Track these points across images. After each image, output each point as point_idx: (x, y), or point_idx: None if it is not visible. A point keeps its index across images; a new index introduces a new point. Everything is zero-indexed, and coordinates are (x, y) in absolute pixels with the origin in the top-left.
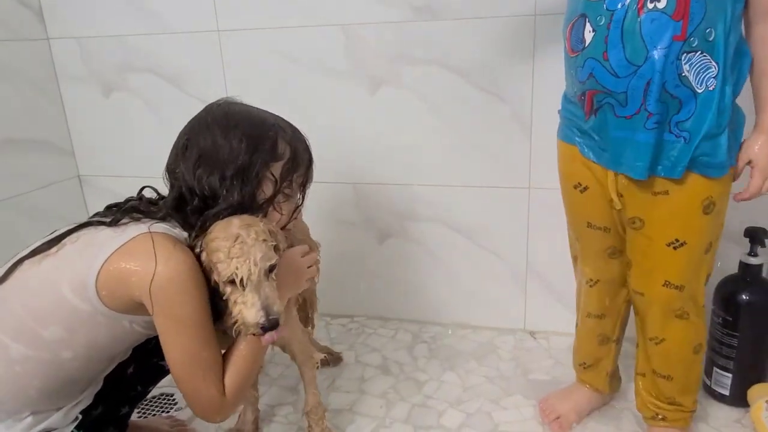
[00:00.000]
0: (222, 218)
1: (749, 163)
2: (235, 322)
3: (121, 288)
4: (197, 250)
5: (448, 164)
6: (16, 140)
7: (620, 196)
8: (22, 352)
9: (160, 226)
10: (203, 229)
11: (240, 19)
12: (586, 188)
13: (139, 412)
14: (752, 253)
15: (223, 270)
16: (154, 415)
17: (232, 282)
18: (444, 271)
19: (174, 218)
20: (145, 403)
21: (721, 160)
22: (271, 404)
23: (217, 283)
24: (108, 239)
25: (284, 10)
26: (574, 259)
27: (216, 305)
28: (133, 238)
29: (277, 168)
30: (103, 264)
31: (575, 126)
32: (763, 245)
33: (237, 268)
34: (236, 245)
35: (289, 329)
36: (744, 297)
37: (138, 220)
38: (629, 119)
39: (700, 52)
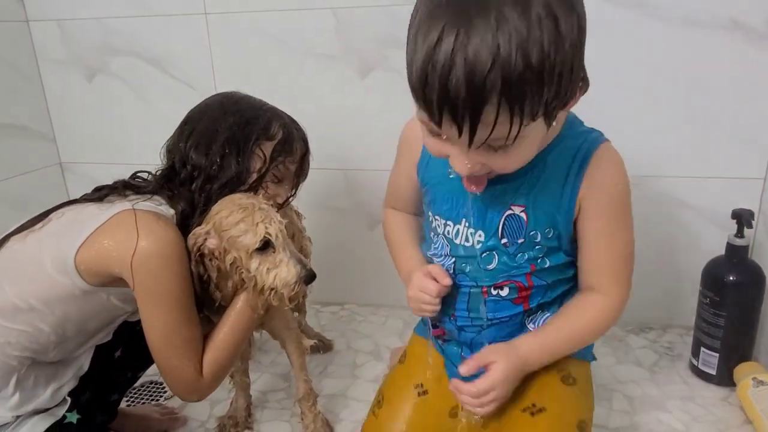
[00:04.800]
0: (217, 198)
1: (486, 368)
2: (267, 290)
3: (102, 263)
4: (202, 238)
5: None
6: None
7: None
8: (2, 324)
9: (145, 204)
10: (204, 211)
11: (228, 2)
12: (426, 392)
13: (127, 400)
14: (739, 235)
15: (250, 239)
16: (143, 403)
17: (261, 249)
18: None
19: (161, 194)
20: (134, 391)
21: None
22: (264, 390)
23: (212, 268)
24: (92, 216)
25: None
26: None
27: (201, 294)
28: (116, 214)
29: (267, 147)
30: (84, 240)
31: (431, 333)
32: (749, 226)
33: (267, 229)
34: (257, 212)
35: (278, 315)
36: (731, 277)
37: (125, 197)
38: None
39: (542, 311)
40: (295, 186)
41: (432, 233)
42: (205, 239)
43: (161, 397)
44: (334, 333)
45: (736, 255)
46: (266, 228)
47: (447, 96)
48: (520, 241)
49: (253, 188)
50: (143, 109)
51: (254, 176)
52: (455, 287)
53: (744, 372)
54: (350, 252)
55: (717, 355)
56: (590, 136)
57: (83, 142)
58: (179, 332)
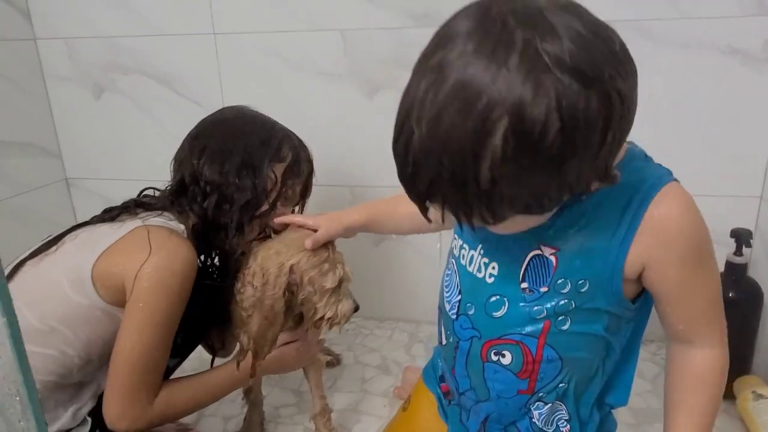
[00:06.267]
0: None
1: None
2: (326, 321)
3: (116, 278)
4: (287, 274)
5: None
6: (0, 142)
7: None
8: (28, 349)
9: (156, 220)
10: (237, 235)
11: (237, 23)
12: None
13: None
14: (738, 253)
15: (330, 279)
16: None
17: (333, 288)
18: (438, 273)
19: (171, 210)
20: None
21: None
22: (275, 405)
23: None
24: (105, 234)
25: (283, 14)
26: None
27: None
28: (130, 231)
29: (279, 169)
30: (99, 256)
31: (439, 387)
32: (748, 245)
33: (344, 271)
34: (334, 254)
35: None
36: (730, 294)
37: (135, 215)
38: None
39: (551, 403)
40: (301, 205)
41: (450, 255)
42: (291, 274)
43: None
44: (342, 347)
45: (735, 273)
46: (344, 270)
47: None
48: (543, 289)
49: (269, 210)
50: (150, 126)
51: (271, 197)
52: (455, 336)
53: (743, 385)
54: (355, 266)
55: None
56: (655, 172)
57: (89, 158)
58: (152, 355)
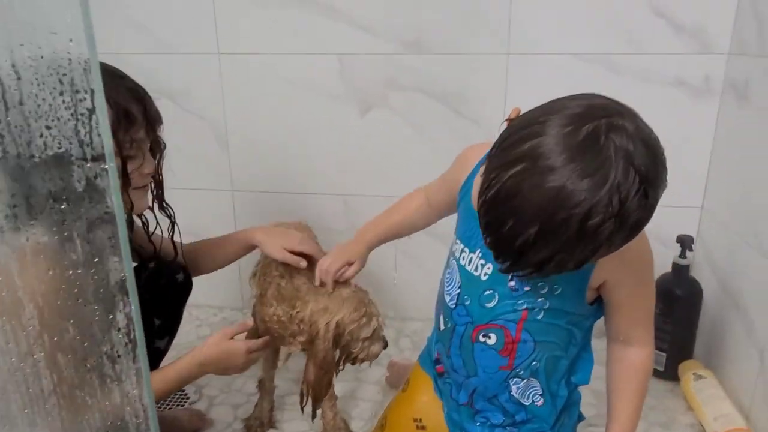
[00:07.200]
0: None
1: None
2: (362, 358)
3: None
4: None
5: (429, 178)
6: None
7: None
8: None
9: None
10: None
11: (241, 44)
12: (424, 427)
13: (157, 407)
14: (682, 256)
15: (366, 332)
16: (170, 408)
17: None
18: (424, 271)
19: None
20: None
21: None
22: (280, 395)
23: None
24: None
25: (285, 37)
26: None
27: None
28: None
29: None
30: None
31: (434, 368)
32: (690, 249)
33: (375, 325)
34: (364, 317)
35: None
36: (676, 291)
37: None
38: (460, 406)
39: (526, 379)
40: (158, 163)
41: (450, 256)
42: (337, 329)
43: (185, 402)
44: None
45: (680, 273)
46: (378, 321)
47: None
48: (526, 288)
49: (122, 170)
50: None
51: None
52: (453, 321)
53: (685, 368)
54: None
55: (665, 354)
56: None
57: None
58: None
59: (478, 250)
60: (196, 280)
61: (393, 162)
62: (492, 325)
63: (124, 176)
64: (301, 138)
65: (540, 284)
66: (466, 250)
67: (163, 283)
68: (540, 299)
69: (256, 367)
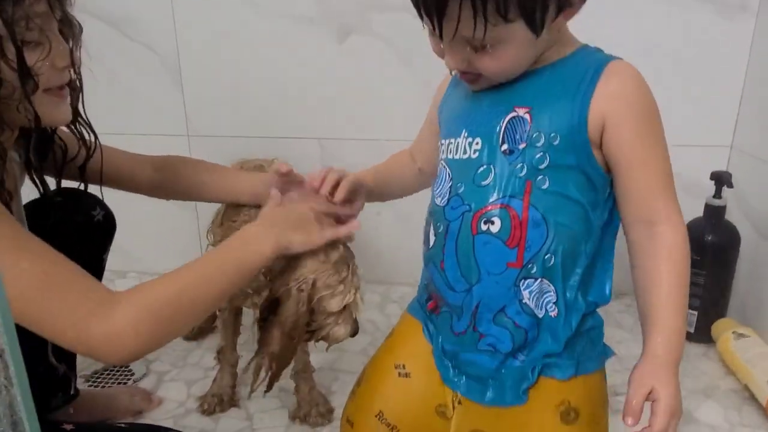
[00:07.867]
0: None
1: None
2: (321, 336)
3: None
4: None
5: (419, 116)
6: None
7: (458, 402)
8: None
9: None
10: None
11: None
12: (408, 374)
13: (91, 384)
14: (717, 196)
15: (335, 304)
16: (110, 386)
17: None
18: (410, 234)
19: None
20: (96, 376)
21: (568, 363)
22: (245, 368)
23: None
24: None
25: None
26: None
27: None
28: None
29: None
30: None
31: (425, 308)
32: (730, 185)
33: (349, 299)
34: (341, 284)
35: None
36: (709, 237)
37: None
38: (458, 336)
39: (539, 279)
40: (72, 49)
41: (439, 167)
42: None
43: (129, 379)
44: None
45: (714, 216)
46: (354, 296)
47: None
48: (521, 146)
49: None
50: (100, 74)
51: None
52: (445, 220)
53: (721, 328)
54: None
55: (696, 313)
56: (607, 55)
57: None
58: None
59: (463, 131)
60: (145, 237)
61: (376, 98)
62: (494, 206)
63: (25, 73)
64: (269, 71)
65: (535, 135)
66: (452, 140)
67: (79, 222)
68: (539, 154)
69: (214, 338)
